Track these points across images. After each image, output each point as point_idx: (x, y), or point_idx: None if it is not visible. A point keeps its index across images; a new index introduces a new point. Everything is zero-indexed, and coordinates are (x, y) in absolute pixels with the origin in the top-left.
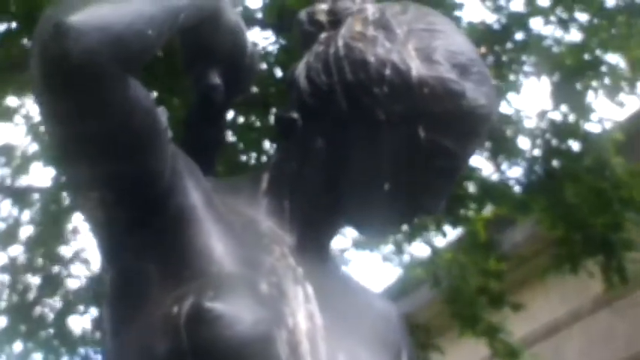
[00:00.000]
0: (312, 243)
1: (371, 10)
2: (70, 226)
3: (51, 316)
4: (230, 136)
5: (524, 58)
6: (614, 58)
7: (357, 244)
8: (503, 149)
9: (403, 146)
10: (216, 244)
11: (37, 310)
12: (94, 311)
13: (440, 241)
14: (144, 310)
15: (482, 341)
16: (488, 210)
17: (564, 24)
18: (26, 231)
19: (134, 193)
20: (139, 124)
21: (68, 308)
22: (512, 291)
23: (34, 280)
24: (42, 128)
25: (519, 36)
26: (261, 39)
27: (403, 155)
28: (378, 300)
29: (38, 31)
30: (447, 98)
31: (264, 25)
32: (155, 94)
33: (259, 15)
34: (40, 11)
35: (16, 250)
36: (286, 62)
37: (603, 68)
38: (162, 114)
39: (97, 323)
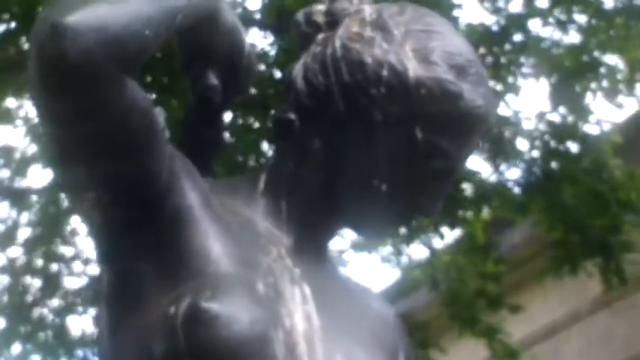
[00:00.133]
0: (310, 244)
1: (368, 11)
2: (68, 228)
3: (50, 317)
4: (229, 138)
5: (522, 59)
6: (612, 60)
7: (355, 246)
8: (501, 151)
9: (400, 147)
10: (214, 245)
11: (36, 311)
12: (92, 312)
13: (438, 243)
14: (141, 311)
15: (481, 343)
16: (486, 212)
17: (563, 25)
18: (25, 232)
19: (131, 193)
20: (136, 125)
21: (67, 309)
22: (511, 293)
23: (33, 282)
24: (41, 129)
25: (518, 37)
26: (260, 40)
27: (400, 156)
28: (375, 301)
29: (35, 32)
30: (445, 99)
31: (263, 26)
32: (154, 95)
33: (258, 16)
34: (39, 11)
35: (15, 252)
36: (285, 63)
37: (602, 70)
38: (160, 114)
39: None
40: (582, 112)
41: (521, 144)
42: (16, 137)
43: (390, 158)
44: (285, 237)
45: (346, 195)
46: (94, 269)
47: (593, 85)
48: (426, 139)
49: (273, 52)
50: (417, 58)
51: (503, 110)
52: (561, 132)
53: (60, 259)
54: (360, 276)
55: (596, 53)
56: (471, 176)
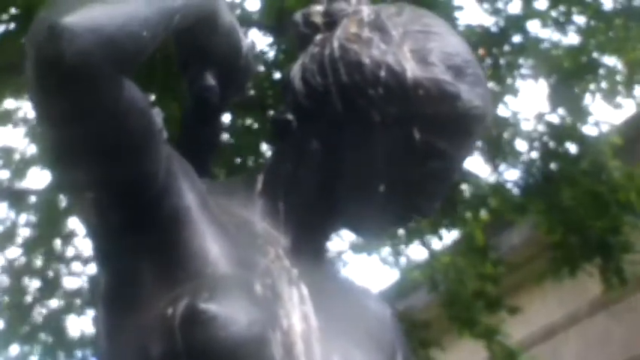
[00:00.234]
0: (307, 244)
1: (366, 11)
2: (67, 228)
3: (49, 318)
4: (228, 139)
5: (521, 60)
6: (611, 61)
7: (354, 247)
8: (500, 152)
9: (398, 148)
10: (211, 246)
11: (36, 312)
12: (92, 312)
13: (437, 245)
14: (138, 312)
15: (480, 344)
16: (485, 213)
17: (562, 27)
18: (24, 233)
19: (128, 194)
20: (134, 125)
21: (66, 309)
22: (510, 294)
23: (32, 282)
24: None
25: (517, 39)
26: (260, 41)
27: (398, 157)
28: (373, 301)
29: (32, 33)
30: (442, 100)
31: (262, 27)
32: (153, 95)
33: (257, 17)
34: (38, 12)
35: (15, 252)
36: (284, 65)
37: (601, 71)
38: (158, 115)
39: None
40: (581, 113)
41: (520, 145)
42: (16, 138)
43: (388, 159)
44: (282, 238)
45: (344, 196)
46: (93, 270)
47: (592, 86)
48: (423, 140)
49: (272, 53)
50: (415, 59)
51: (502, 111)
52: (560, 133)
53: (59, 259)
54: (359, 277)
55: (595, 54)
56: (470, 177)
